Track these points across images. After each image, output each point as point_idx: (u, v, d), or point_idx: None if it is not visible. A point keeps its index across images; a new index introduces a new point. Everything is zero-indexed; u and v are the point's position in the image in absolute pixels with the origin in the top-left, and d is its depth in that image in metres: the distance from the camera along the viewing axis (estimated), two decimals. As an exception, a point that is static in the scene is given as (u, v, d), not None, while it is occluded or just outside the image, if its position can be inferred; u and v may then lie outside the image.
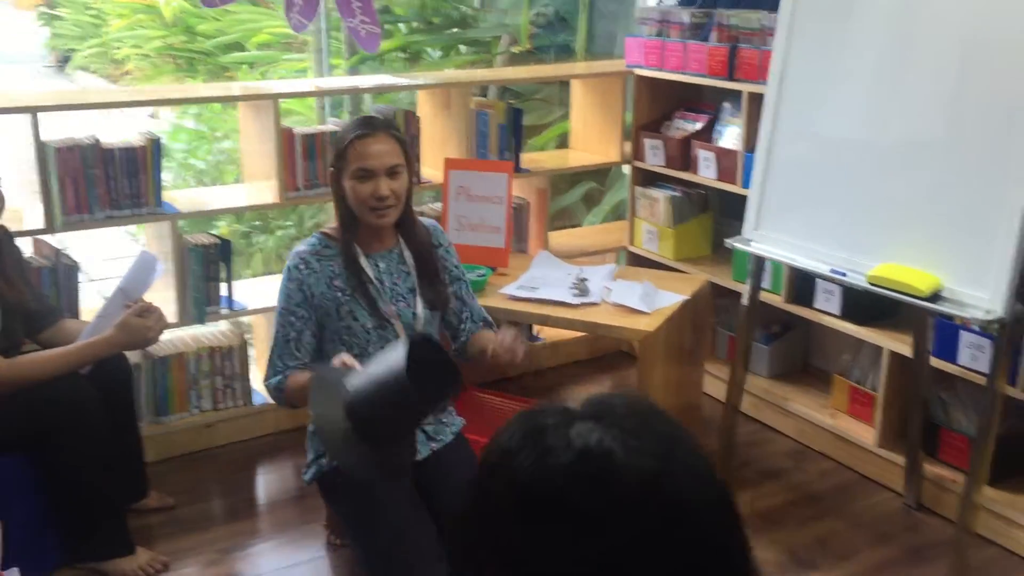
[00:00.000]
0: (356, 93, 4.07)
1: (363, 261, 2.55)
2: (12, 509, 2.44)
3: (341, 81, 3.79)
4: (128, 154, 2.97)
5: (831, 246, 2.61)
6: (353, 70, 5.42)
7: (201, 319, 3.17)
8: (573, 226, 4.73)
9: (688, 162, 3.70)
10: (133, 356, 3.16)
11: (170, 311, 3.17)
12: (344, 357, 2.41)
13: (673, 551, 0.80)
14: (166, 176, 3.50)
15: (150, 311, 2.60)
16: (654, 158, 3.83)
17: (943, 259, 2.35)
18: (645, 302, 2.93)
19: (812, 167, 2.71)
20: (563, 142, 4.46)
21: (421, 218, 2.73)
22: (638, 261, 3.98)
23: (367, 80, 3.90)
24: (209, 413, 3.31)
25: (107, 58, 12.59)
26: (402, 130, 3.37)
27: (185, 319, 3.17)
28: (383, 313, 2.54)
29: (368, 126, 2.50)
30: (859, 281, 2.49)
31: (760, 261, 2.88)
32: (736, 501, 0.89)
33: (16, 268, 2.68)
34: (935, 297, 2.34)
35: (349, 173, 2.46)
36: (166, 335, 3.22)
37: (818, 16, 2.70)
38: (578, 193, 5.02)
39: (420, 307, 2.59)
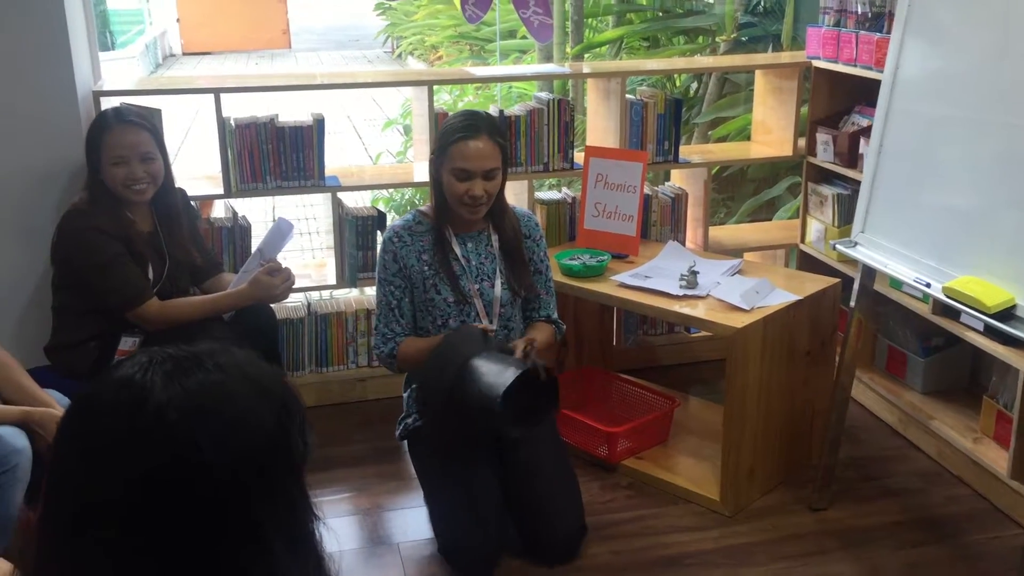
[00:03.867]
0: (510, 81, 4.24)
1: (452, 240, 2.75)
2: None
3: (500, 70, 3.98)
4: (297, 132, 3.36)
5: (923, 253, 2.45)
6: (577, 57, 5.61)
7: (353, 283, 3.52)
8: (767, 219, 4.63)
9: (856, 159, 3.52)
10: (299, 311, 3.59)
11: (329, 274, 3.57)
12: (485, 324, 2.64)
13: (182, 498, 0.88)
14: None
15: (279, 271, 2.96)
16: (824, 154, 3.68)
17: (1021, 274, 2.15)
18: (747, 299, 2.88)
19: (916, 170, 2.54)
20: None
21: (516, 208, 2.88)
22: (807, 260, 3.85)
23: (525, 69, 4.06)
24: (364, 369, 3.66)
25: (424, 44, 13.72)
26: (559, 116, 3.53)
27: (340, 282, 3.53)
28: (464, 291, 2.72)
29: (472, 128, 2.65)
30: (938, 293, 2.32)
31: (869, 267, 2.73)
32: (281, 484, 0.94)
33: (189, 227, 3.15)
34: (1006, 315, 2.14)
35: (448, 168, 2.65)
36: (329, 295, 3.63)
37: (935, 13, 2.51)
38: (783, 186, 4.89)
39: (500, 288, 2.74)
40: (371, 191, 4.83)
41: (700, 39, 5.82)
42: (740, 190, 5.34)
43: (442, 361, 2.53)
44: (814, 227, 3.80)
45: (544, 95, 3.64)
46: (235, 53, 18.39)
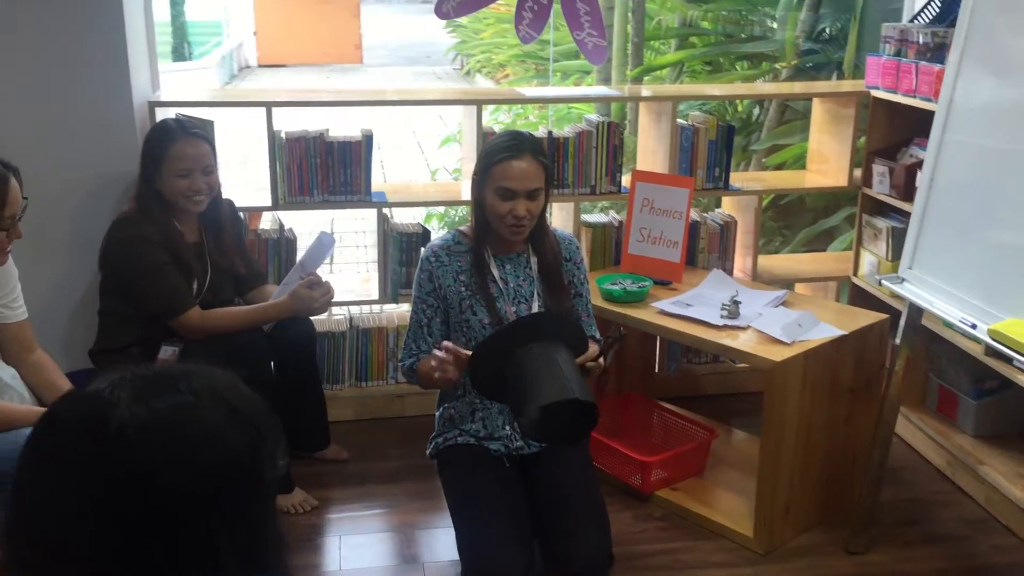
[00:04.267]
0: (562, 102, 4.23)
1: (491, 262, 2.73)
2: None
3: (549, 91, 3.97)
4: (345, 147, 3.39)
5: (970, 293, 2.37)
6: (636, 80, 5.59)
7: (395, 299, 3.53)
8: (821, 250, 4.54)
9: (912, 192, 3.43)
10: (340, 325, 3.61)
11: (372, 289, 3.58)
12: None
13: (136, 515, 0.87)
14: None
15: (318, 285, 2.98)
16: (880, 185, 3.59)
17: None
18: (788, 332, 2.81)
19: (968, 205, 2.46)
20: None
21: (557, 230, 2.85)
22: (859, 294, 3.76)
23: (574, 90, 4.04)
24: (403, 385, 3.66)
25: (491, 63, 13.85)
26: (607, 139, 3.51)
27: (383, 298, 3.54)
28: (500, 313, 2.70)
29: (516, 148, 2.63)
30: (983, 335, 2.24)
31: (915, 306, 2.65)
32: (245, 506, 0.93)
33: (234, 238, 3.19)
34: (1053, 362, 2.05)
35: (491, 188, 2.63)
36: (370, 310, 3.64)
37: (994, 42, 2.44)
38: (840, 216, 4.79)
39: (537, 311, 2.71)
40: (426, 208, 4.86)
41: (764, 65, 5.75)
42: (798, 219, 5.25)
43: (532, 324, 2.49)
44: (867, 260, 3.71)
45: (594, 117, 3.62)
46: (308, 66, 18.70)
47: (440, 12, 3.58)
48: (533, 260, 2.76)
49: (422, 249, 3.40)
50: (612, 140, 3.55)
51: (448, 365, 2.42)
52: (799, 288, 3.97)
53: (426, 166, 9.27)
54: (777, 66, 4.93)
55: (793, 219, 5.24)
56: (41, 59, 3.09)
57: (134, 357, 2.93)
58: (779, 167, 4.78)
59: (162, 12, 16.95)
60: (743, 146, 5.58)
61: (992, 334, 2.19)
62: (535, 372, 2.33)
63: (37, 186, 3.13)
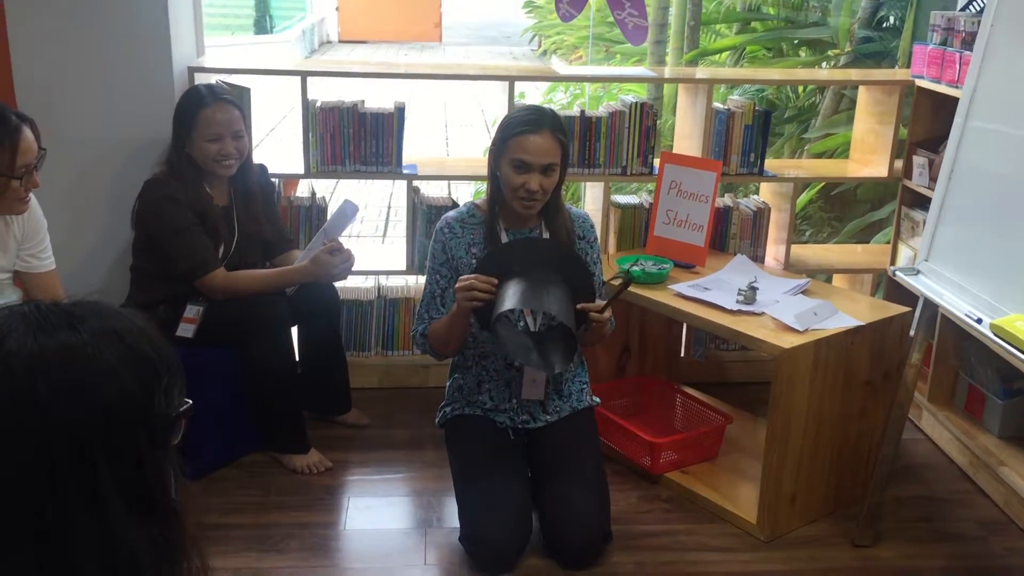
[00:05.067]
0: (597, 82, 4.21)
1: (502, 235, 2.76)
2: (217, 392, 3.04)
3: (584, 70, 3.96)
4: (378, 118, 3.44)
5: (981, 287, 2.31)
6: (691, 62, 5.53)
7: (422, 270, 3.57)
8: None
9: (951, 185, 3.34)
10: (368, 294, 3.67)
11: (400, 260, 3.64)
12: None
13: (22, 445, 0.91)
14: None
15: (339, 251, 3.04)
16: (920, 177, 3.51)
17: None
18: (802, 320, 2.78)
19: (986, 198, 2.39)
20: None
21: (572, 208, 2.86)
22: (895, 287, 3.67)
23: (610, 70, 4.02)
24: (427, 356, 3.70)
25: (565, 44, 13.87)
26: (640, 120, 3.50)
27: (410, 269, 3.59)
28: (509, 285, 2.72)
29: (536, 123, 2.65)
30: (986, 329, 2.19)
31: (928, 299, 2.59)
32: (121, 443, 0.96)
33: (265, 202, 3.27)
34: (1050, 359, 2.00)
35: (507, 159, 2.66)
36: (398, 280, 3.70)
37: (1020, 27, 2.36)
38: (888, 208, 4.68)
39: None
40: (470, 181, 4.88)
41: (825, 52, 5.64)
42: (850, 210, 5.14)
43: (544, 247, 2.60)
44: (904, 253, 3.63)
45: (629, 98, 3.60)
46: (387, 43, 18.88)
47: (560, 13, 3.66)
48: (545, 235, 2.78)
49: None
50: (645, 121, 3.53)
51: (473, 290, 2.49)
52: (836, 280, 3.91)
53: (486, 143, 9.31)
54: (829, 53, 4.83)
55: (844, 210, 5.14)
56: (86, 26, 3.20)
57: (160, 314, 3.03)
58: (824, 155, 4.69)
59: (247, -15, 17.31)
60: (798, 133, 5.49)
61: (994, 329, 2.14)
62: (522, 287, 2.40)
63: (79, 148, 3.27)
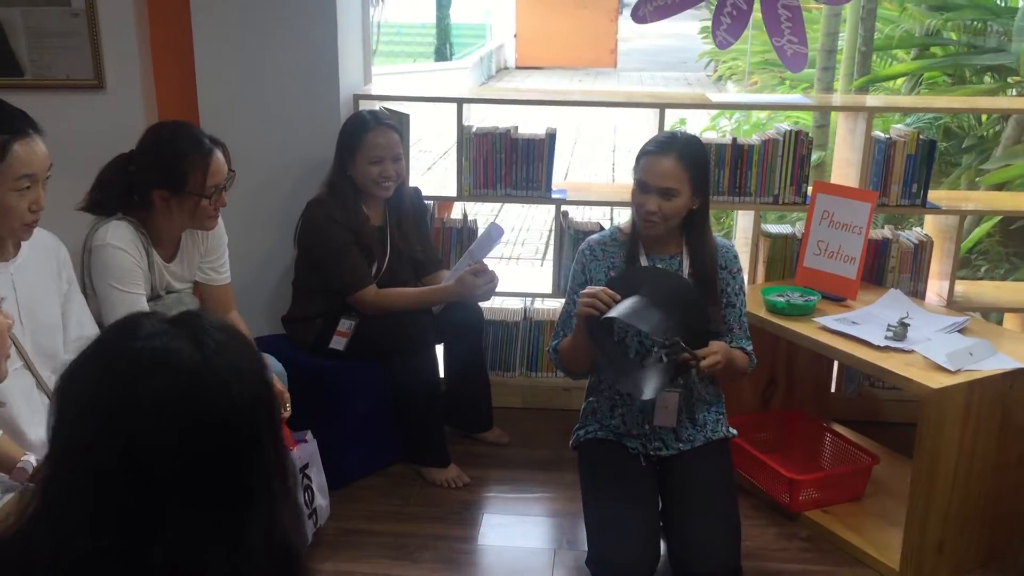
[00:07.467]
0: (746, 109, 4.13)
1: (642, 258, 2.77)
2: (364, 404, 3.18)
3: (738, 97, 3.90)
4: (530, 144, 3.52)
5: None
6: (861, 89, 5.37)
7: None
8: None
9: None
10: (515, 315, 3.75)
11: (546, 283, 3.70)
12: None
13: (220, 441, 0.99)
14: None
15: (483, 273, 3.14)
16: (1101, 212, 3.28)
17: None
18: (954, 360, 2.65)
19: None
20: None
21: (717, 238, 2.84)
22: (1071, 329, 3.45)
23: (766, 98, 3.95)
24: (565, 376, 3.74)
25: (740, 69, 13.74)
26: (794, 148, 3.43)
27: (555, 292, 3.64)
28: (644, 311, 2.73)
29: (665, 145, 2.66)
30: None
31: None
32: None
33: (418, 223, 3.40)
34: None
35: (635, 180, 2.69)
36: (550, 303, 3.76)
37: None
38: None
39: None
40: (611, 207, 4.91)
41: (1012, 79, 5.34)
42: (1031, 246, 4.84)
43: (669, 281, 2.61)
44: (1082, 293, 3.39)
45: (784, 126, 3.54)
46: (563, 69, 19.13)
47: (637, 16, 3.63)
48: (687, 262, 2.77)
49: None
50: (799, 150, 3.46)
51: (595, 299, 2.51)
52: (1008, 320, 3.69)
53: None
54: (1010, 80, 4.57)
55: (1024, 245, 4.84)
56: (263, 57, 3.43)
57: (316, 326, 3.20)
58: (1003, 186, 4.44)
59: (428, 14, 17.95)
60: (977, 163, 5.22)
61: None
62: (636, 303, 2.45)
63: (253, 169, 3.51)
